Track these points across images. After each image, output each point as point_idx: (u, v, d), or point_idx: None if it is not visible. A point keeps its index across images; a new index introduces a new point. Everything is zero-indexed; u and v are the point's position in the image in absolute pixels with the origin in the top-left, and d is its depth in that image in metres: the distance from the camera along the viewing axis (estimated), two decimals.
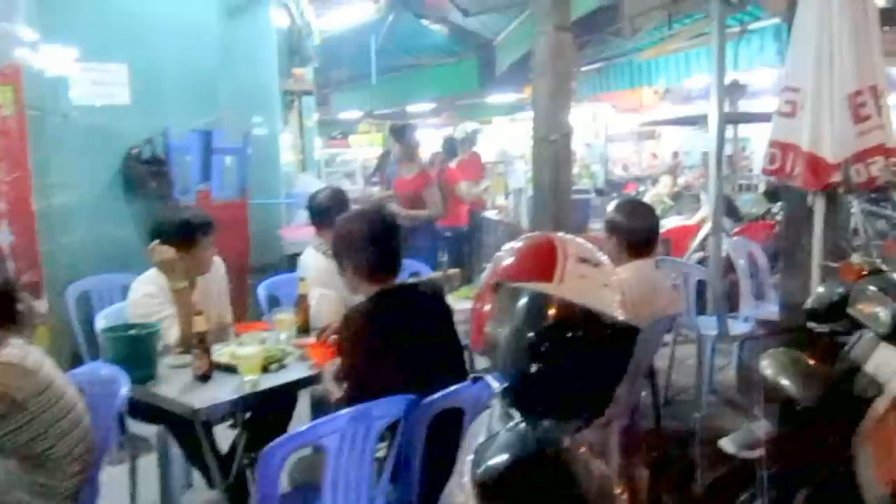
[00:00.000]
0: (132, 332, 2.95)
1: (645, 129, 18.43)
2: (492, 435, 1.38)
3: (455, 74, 11.79)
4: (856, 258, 3.01)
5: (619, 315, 1.39)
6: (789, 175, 4.01)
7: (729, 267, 5.88)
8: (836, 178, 3.79)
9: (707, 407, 4.71)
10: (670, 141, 18.60)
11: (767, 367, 2.69)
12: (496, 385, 1.41)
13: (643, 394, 4.23)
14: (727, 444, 2.74)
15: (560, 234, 1.51)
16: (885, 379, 2.56)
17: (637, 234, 3.25)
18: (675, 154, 16.71)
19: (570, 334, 1.32)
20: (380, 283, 2.65)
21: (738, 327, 5.06)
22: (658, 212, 7.83)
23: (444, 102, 16.91)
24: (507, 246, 1.54)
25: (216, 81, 5.49)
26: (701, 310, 5.24)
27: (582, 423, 1.41)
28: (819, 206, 3.95)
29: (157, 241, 3.23)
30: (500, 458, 1.27)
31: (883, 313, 2.57)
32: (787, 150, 4.00)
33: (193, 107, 5.25)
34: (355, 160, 11.30)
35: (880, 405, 2.54)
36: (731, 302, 5.78)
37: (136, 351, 2.88)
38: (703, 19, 6.78)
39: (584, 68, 10.18)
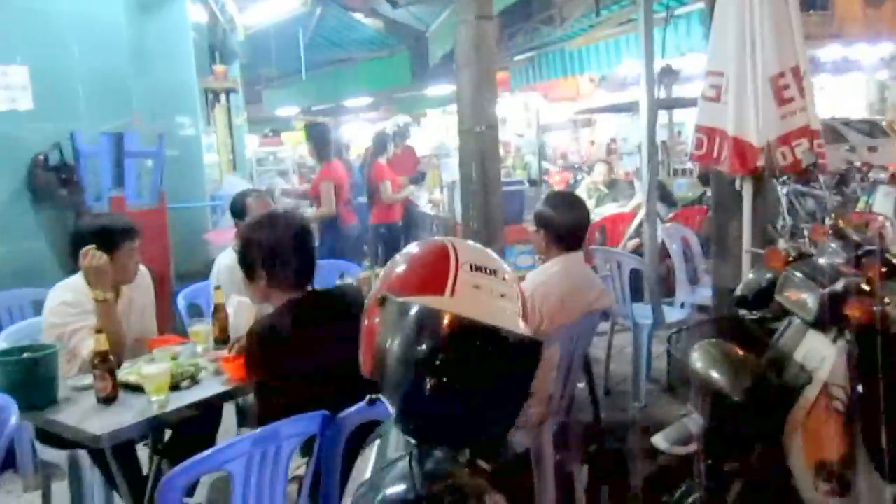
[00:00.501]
0: (27, 354, 2.72)
1: (582, 117, 18.60)
2: (385, 464, 1.24)
3: (388, 68, 11.60)
4: (782, 244, 2.97)
5: (520, 327, 1.26)
6: (716, 160, 3.99)
7: (665, 253, 5.88)
8: (762, 161, 3.77)
9: (645, 396, 4.68)
10: (607, 128, 18.79)
11: (697, 360, 2.63)
12: (392, 408, 1.28)
13: (581, 386, 4.18)
14: (659, 441, 2.67)
15: (454, 239, 1.38)
16: (814, 366, 2.52)
17: (565, 227, 3.16)
18: (613, 141, 16.87)
19: (461, 353, 1.19)
20: (292, 291, 2.49)
21: (673, 314, 5.05)
22: (593, 200, 7.88)
23: (381, 96, 16.71)
24: (402, 253, 1.40)
25: (128, 81, 5.24)
26: (639, 297, 5.22)
27: (480, 449, 1.27)
28: (747, 190, 3.93)
29: (92, 246, 2.99)
30: (386, 494, 1.13)
31: (810, 300, 2.53)
32: (713, 134, 3.97)
33: (104, 109, 4.99)
34: (289, 158, 11.02)
35: (810, 393, 2.50)
36: (668, 288, 5.79)
37: (33, 375, 2.65)
38: (630, 6, 6.76)
39: (516, 58, 10.11)
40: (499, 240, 4.49)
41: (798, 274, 2.60)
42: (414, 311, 1.21)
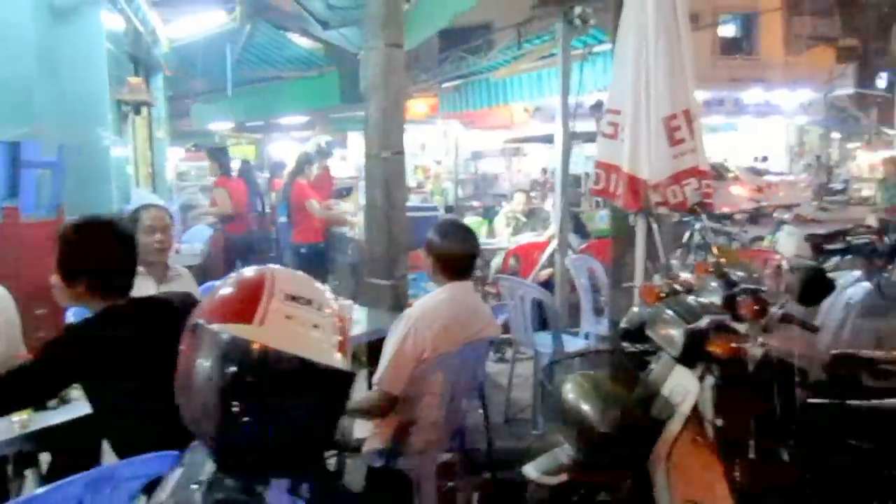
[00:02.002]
0: None
1: (512, 146, 18.87)
2: (180, 488, 1.22)
3: (318, 88, 11.56)
4: (657, 279, 3.05)
5: (332, 358, 1.26)
6: (613, 195, 4.09)
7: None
8: (655, 198, 3.88)
9: (545, 424, 4.73)
10: (539, 158, 19.09)
11: (569, 392, 2.67)
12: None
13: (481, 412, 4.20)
14: (530, 471, 2.69)
15: (276, 268, 1.37)
16: (678, 400, 2.59)
17: (452, 255, 3.18)
18: (544, 171, 17.14)
19: (264, 383, 1.18)
20: (111, 298, 2.42)
21: (575, 344, 5.13)
22: (511, 228, 7.98)
23: (316, 115, 16.61)
24: (224, 279, 1.38)
25: (32, 88, 5.07)
26: (547, 326, 5.29)
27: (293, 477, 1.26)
28: (640, 226, 4.03)
29: None
30: None
31: (676, 336, 2.60)
32: (611, 170, 4.08)
33: (3, 117, 4.81)
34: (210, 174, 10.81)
35: (673, 427, 2.56)
36: (575, 318, 5.89)
37: None
38: (551, 40, 6.90)
39: (444, 85, 10.22)
40: (402, 264, 4.50)
41: (667, 310, 2.67)
42: (220, 339, 1.20)
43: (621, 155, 3.97)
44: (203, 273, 6.21)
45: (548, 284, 6.71)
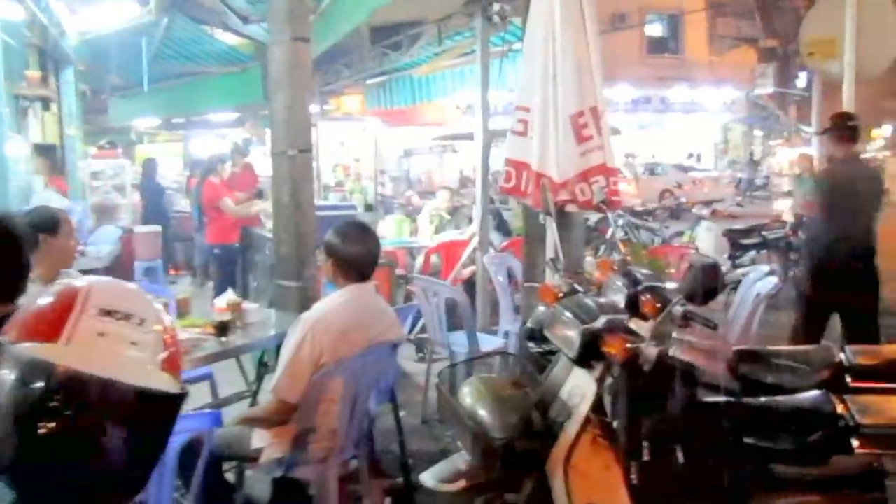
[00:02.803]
0: None
1: (447, 143, 18.85)
2: None
3: (241, 83, 11.23)
4: (556, 279, 3.01)
5: (147, 378, 1.13)
6: (523, 193, 4.05)
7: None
8: (563, 196, 3.85)
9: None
10: (471, 155, 19.08)
11: (466, 395, 2.60)
12: None
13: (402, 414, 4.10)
14: (427, 478, 2.61)
15: (98, 279, 1.24)
16: (576, 402, 2.54)
17: (352, 257, 3.07)
18: (475, 169, 17.13)
19: (65, 411, 1.06)
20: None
21: (493, 343, 5.08)
22: (434, 226, 7.90)
23: (247, 111, 16.20)
24: (41, 294, 1.25)
25: None
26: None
27: None
28: (550, 224, 4.00)
29: None
30: None
31: (573, 336, 2.55)
32: (521, 168, 4.04)
33: None
34: (125, 172, 10.42)
35: (570, 429, 2.51)
36: (498, 316, 5.85)
37: None
38: (472, 37, 6.85)
39: (369, 82, 10.07)
40: (310, 264, 4.37)
41: (564, 311, 2.62)
42: (19, 359, 1.07)
43: (530, 152, 3.93)
44: (110, 276, 5.95)
45: (471, 282, 6.68)
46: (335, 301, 3.09)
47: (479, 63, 6.44)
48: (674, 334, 4.84)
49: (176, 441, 2.52)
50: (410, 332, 6.01)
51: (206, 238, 7.59)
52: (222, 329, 3.74)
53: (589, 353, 2.53)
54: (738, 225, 8.83)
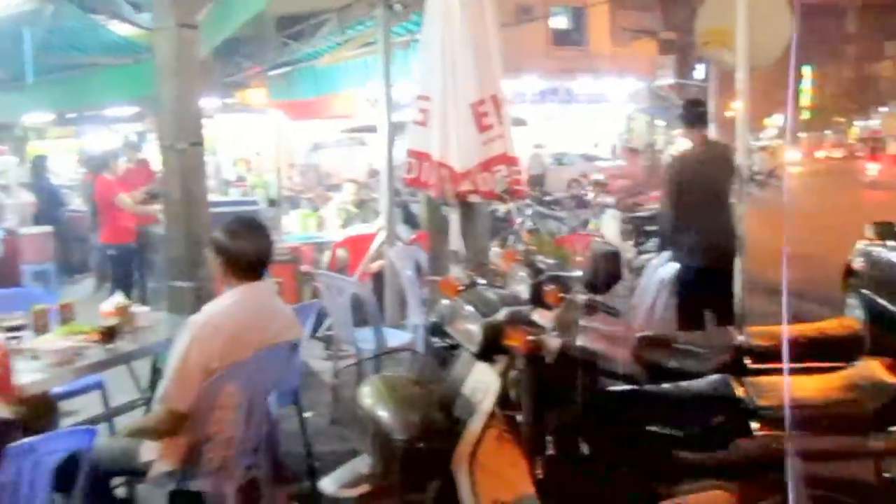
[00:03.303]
0: None
1: (355, 135, 18.57)
2: None
3: (134, 76, 10.68)
4: (456, 271, 2.93)
5: None
6: (425, 184, 3.97)
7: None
8: (465, 186, 3.79)
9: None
10: (380, 148, 18.85)
11: (366, 396, 2.49)
12: None
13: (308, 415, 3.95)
14: (327, 485, 2.49)
15: None
16: (479, 398, 2.47)
17: (242, 255, 2.90)
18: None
19: None
20: None
21: (401, 338, 4.97)
22: (342, 220, 7.74)
23: (146, 104, 15.43)
24: None
25: None
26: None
27: None
28: (453, 215, 3.92)
29: None
30: None
31: (474, 330, 2.48)
32: (422, 158, 3.95)
33: None
34: (11, 171, 9.78)
35: (474, 426, 2.44)
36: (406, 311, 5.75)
37: None
38: (374, 27, 6.70)
39: (272, 73, 9.78)
40: (204, 264, 4.14)
41: (465, 304, 2.54)
42: None
43: (431, 142, 3.84)
44: None
45: (379, 276, 6.55)
46: (225, 302, 2.92)
47: (382, 53, 6.31)
48: (580, 322, 4.86)
49: (49, 461, 2.32)
50: (317, 329, 5.86)
51: (100, 238, 7.20)
52: (108, 335, 3.50)
53: (491, 347, 2.46)
54: (642, 212, 9.00)
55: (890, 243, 5.74)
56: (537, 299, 3.14)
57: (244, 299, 2.91)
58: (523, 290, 3.15)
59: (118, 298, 3.91)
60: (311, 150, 22.66)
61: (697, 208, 4.90)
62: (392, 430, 2.36)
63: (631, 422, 2.47)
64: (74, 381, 3.70)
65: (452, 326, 2.59)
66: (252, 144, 7.51)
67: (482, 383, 2.49)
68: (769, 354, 3.08)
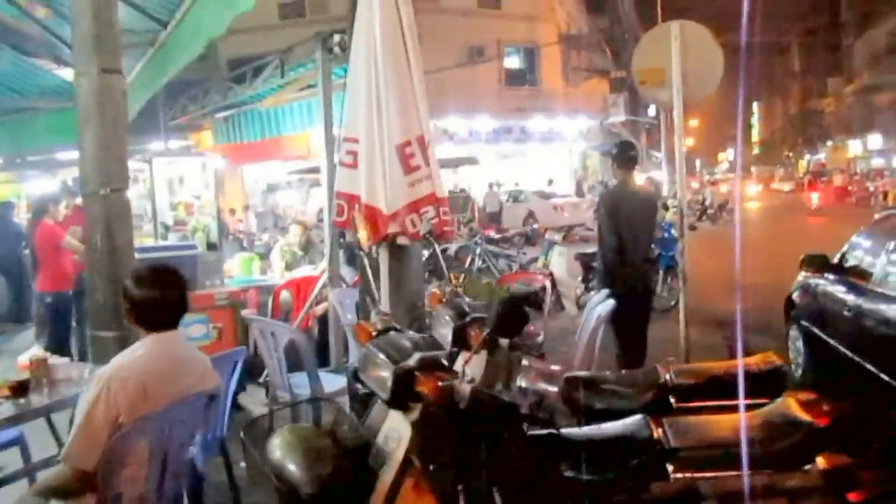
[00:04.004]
0: None
1: (307, 176, 18.52)
2: None
3: (74, 120, 10.54)
4: (373, 316, 2.88)
5: None
6: (355, 227, 3.91)
7: None
8: (393, 228, 3.74)
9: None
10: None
11: (276, 448, 2.39)
12: None
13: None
14: None
15: None
16: (392, 447, 2.40)
17: (151, 304, 2.81)
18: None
19: None
20: None
21: (339, 382, 4.88)
22: (285, 262, 7.63)
23: None
24: None
25: None
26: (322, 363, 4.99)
27: None
28: (382, 257, 3.88)
29: None
30: None
31: (385, 377, 2.41)
32: (352, 201, 3.91)
33: None
34: None
35: (386, 476, 2.36)
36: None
37: None
38: (314, 69, 6.70)
39: (217, 116, 9.70)
40: None
41: (376, 350, 2.48)
42: None
43: (360, 185, 3.81)
44: None
45: (324, 319, 6.44)
46: (134, 354, 2.82)
47: (322, 95, 6.30)
48: (524, 362, 4.80)
49: None
50: (260, 374, 5.73)
51: (37, 286, 6.99)
52: (19, 389, 3.38)
53: (403, 394, 2.40)
54: (590, 248, 9.06)
55: (827, 275, 5.82)
56: (462, 342, 3.10)
57: (154, 349, 2.82)
58: (447, 332, 3.11)
59: (35, 350, 3.77)
60: (265, 192, 22.58)
61: (622, 238, 5.40)
62: (301, 484, 2.27)
63: (547, 467, 2.41)
64: None
65: (365, 374, 2.52)
66: (192, 188, 7.41)
67: (395, 431, 2.43)
68: (694, 392, 3.08)
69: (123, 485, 2.75)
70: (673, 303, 7.93)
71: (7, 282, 9.41)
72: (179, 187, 7.54)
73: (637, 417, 2.59)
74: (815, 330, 5.81)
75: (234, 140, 9.65)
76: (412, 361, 2.40)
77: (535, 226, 11.46)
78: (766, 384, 2.97)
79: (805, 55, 55.57)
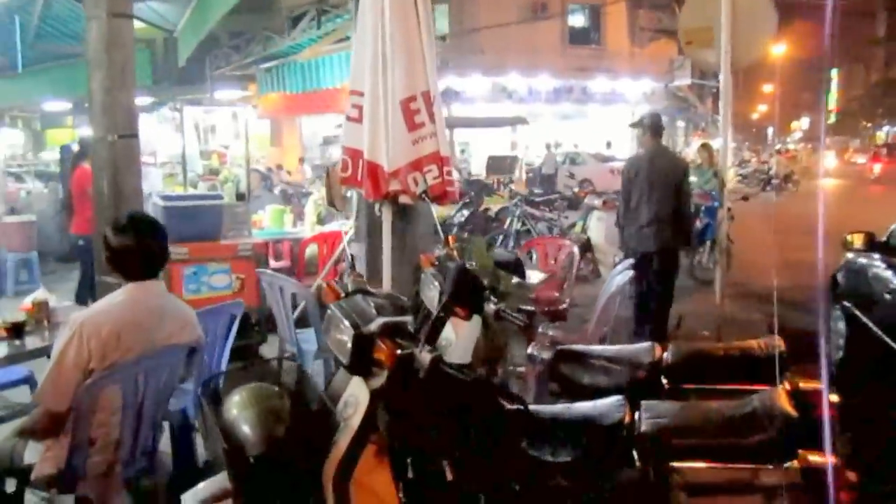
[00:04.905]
0: None
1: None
2: None
3: None
4: (345, 277, 2.78)
5: None
6: (359, 183, 3.82)
7: None
8: (395, 186, 3.63)
9: None
10: None
11: (233, 407, 2.33)
12: None
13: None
14: (188, 498, 2.35)
15: None
16: (349, 414, 2.32)
17: (121, 252, 2.77)
18: None
19: None
20: None
21: None
22: (318, 214, 7.60)
23: (161, 92, 15.46)
24: None
25: None
26: None
27: None
28: (386, 215, 3.78)
29: None
30: None
31: (346, 342, 2.32)
32: (356, 156, 3.81)
33: None
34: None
35: (340, 443, 2.29)
36: None
37: None
38: (350, 20, 6.57)
39: (262, 66, 9.67)
40: None
41: (339, 313, 2.38)
42: None
43: (363, 140, 3.70)
44: None
45: None
46: (111, 301, 2.80)
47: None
48: (540, 329, 4.65)
49: None
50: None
51: (71, 228, 7.14)
52: (16, 331, 3.43)
53: (365, 360, 2.30)
54: None
55: (871, 255, 5.51)
56: (449, 308, 2.99)
57: (131, 299, 2.79)
58: (434, 296, 3.01)
59: (40, 293, 3.82)
60: (321, 145, 22.61)
61: (644, 201, 5.64)
62: (248, 445, 2.21)
63: (507, 446, 2.30)
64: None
65: (328, 337, 2.43)
66: (221, 138, 7.41)
67: (353, 398, 2.34)
68: (687, 374, 2.91)
69: (95, 430, 2.76)
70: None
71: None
72: (212, 136, 7.55)
73: (614, 398, 2.45)
74: (857, 311, 5.52)
75: (279, 90, 9.60)
76: (374, 326, 2.30)
77: (575, 189, 11.17)
78: (764, 369, 2.78)
79: (892, 20, 52.57)
